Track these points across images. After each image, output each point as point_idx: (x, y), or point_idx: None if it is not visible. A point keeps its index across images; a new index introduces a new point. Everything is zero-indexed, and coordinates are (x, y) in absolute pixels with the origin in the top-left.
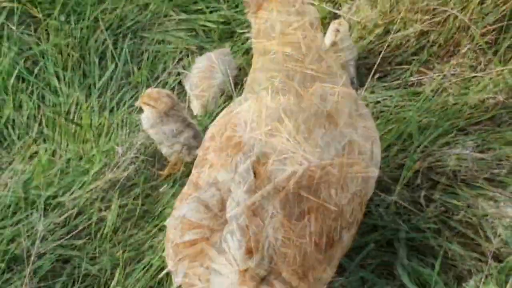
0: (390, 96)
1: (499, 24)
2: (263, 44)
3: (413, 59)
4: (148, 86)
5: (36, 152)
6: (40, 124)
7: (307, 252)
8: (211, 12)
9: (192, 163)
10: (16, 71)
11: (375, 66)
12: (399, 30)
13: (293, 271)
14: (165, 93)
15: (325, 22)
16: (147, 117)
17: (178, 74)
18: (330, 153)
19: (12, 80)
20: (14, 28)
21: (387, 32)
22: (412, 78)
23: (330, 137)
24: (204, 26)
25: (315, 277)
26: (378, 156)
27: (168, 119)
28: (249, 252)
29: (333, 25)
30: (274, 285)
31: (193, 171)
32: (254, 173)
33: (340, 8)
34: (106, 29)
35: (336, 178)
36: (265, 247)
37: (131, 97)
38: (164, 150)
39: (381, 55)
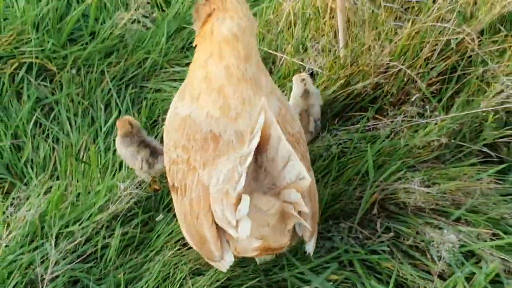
0: (350, 139)
1: (442, 77)
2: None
3: (370, 107)
4: (146, 129)
5: (51, 188)
6: (54, 163)
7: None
8: None
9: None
10: (34, 117)
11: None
12: (358, 82)
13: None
14: (125, 119)
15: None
16: (116, 143)
17: None
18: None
19: (30, 125)
20: (32, 80)
21: (348, 83)
22: (369, 124)
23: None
24: None
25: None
26: None
27: (127, 142)
28: None
29: (298, 77)
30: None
31: (180, 197)
32: None
33: (310, 62)
34: (111, 80)
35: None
36: None
37: None
38: (137, 173)
39: (342, 103)
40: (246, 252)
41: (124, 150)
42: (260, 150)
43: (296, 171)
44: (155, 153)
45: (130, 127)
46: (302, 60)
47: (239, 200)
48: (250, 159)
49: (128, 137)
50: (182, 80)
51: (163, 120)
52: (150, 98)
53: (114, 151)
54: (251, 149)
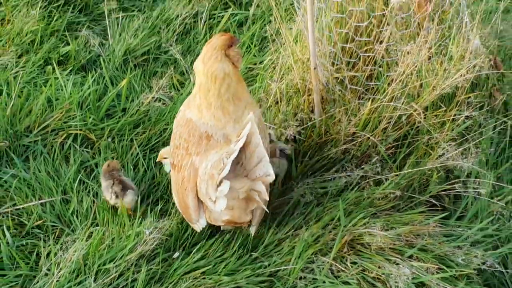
0: (324, 187)
1: (396, 143)
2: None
3: (341, 167)
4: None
5: (92, 233)
6: (94, 213)
7: None
8: None
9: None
10: (79, 177)
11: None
12: (331, 148)
13: None
14: (108, 162)
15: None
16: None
17: None
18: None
19: (76, 183)
20: (77, 147)
21: (322, 148)
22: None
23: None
24: None
25: None
26: None
27: (105, 178)
28: None
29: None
30: None
31: (177, 172)
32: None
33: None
34: (138, 146)
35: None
36: None
37: (155, 194)
38: (110, 202)
39: (317, 163)
40: (216, 222)
41: (102, 184)
42: (241, 149)
43: (265, 170)
44: (125, 189)
45: (107, 167)
46: (286, 128)
47: (220, 183)
48: (235, 154)
49: (106, 174)
50: None
51: None
52: None
53: (141, 201)
54: (237, 148)
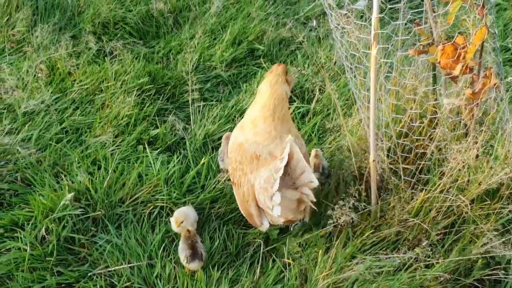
0: (379, 266)
1: (444, 230)
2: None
3: (394, 248)
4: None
5: None
6: (175, 278)
7: None
8: None
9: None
10: (163, 245)
11: None
12: (385, 230)
13: None
14: (189, 229)
15: None
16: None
17: None
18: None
19: (160, 250)
20: (163, 218)
21: (377, 230)
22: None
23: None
24: None
25: None
26: None
27: (184, 241)
28: None
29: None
30: None
31: (237, 188)
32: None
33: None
34: (215, 219)
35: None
36: None
37: (228, 262)
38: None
39: (372, 243)
40: (277, 222)
41: (180, 245)
42: (286, 164)
43: (308, 178)
44: (194, 255)
45: (188, 233)
46: (344, 206)
47: (273, 195)
48: (281, 171)
49: (186, 238)
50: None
51: None
52: (239, 233)
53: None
54: (282, 165)
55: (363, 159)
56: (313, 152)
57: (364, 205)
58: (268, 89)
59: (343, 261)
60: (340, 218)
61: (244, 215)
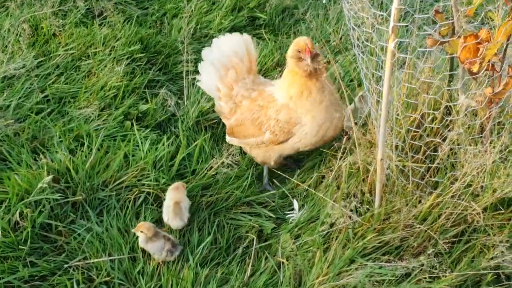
0: (380, 273)
1: (453, 239)
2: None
3: (397, 255)
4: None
5: None
6: (159, 275)
7: None
8: None
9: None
10: None
11: None
12: (388, 234)
13: None
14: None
15: None
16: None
17: None
18: None
19: None
20: (149, 205)
21: (380, 233)
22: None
23: None
24: None
25: None
26: None
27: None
28: None
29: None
30: None
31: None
32: None
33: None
34: (206, 208)
35: None
36: None
37: (217, 259)
38: (156, 256)
39: (373, 247)
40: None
41: (150, 245)
42: None
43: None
44: (175, 245)
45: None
46: (345, 207)
47: None
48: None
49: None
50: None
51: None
52: (230, 224)
53: (202, 267)
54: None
55: (368, 153)
56: (359, 94)
57: (367, 208)
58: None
59: (341, 265)
60: (340, 219)
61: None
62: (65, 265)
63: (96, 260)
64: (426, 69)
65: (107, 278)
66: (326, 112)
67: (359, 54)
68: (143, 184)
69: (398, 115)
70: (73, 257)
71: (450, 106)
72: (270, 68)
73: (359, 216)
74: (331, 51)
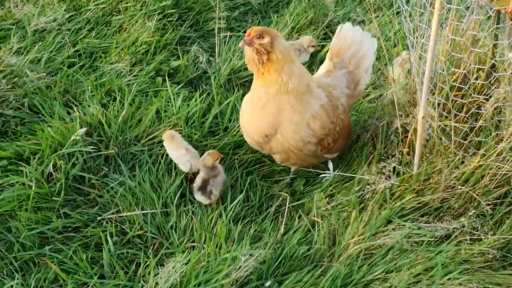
0: (418, 234)
1: (495, 201)
2: None
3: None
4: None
5: (188, 249)
6: (192, 230)
7: None
8: None
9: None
10: (180, 191)
11: None
12: (428, 195)
13: None
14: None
15: None
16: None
17: None
18: None
19: (176, 198)
20: None
21: (419, 194)
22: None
23: None
24: None
25: None
26: None
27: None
28: None
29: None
30: None
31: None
32: None
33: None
34: (239, 167)
35: None
36: None
37: (250, 216)
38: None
39: (412, 207)
40: None
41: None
42: None
43: None
44: (202, 188)
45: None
46: (382, 168)
47: None
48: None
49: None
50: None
51: None
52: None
53: (235, 223)
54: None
55: (408, 113)
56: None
57: (405, 169)
58: None
59: (378, 225)
60: (376, 179)
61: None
62: (98, 218)
63: (129, 213)
64: (471, 25)
65: (140, 232)
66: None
67: (403, 6)
68: None
69: (443, 70)
70: (106, 210)
71: (496, 62)
72: (303, 27)
73: (397, 177)
74: (368, 10)
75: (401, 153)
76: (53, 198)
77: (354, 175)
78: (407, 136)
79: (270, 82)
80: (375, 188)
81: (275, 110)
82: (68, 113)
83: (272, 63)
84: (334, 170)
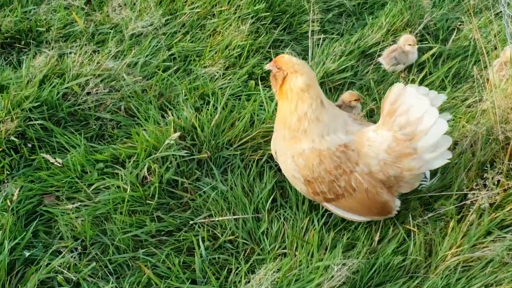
0: None
1: None
2: None
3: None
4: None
5: (280, 256)
6: (283, 236)
7: None
8: None
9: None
10: (272, 197)
11: None
12: None
13: None
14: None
15: None
16: None
17: None
18: None
19: (268, 203)
20: (273, 166)
21: None
22: None
23: None
24: None
25: None
26: None
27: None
28: None
29: None
30: None
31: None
32: None
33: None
34: None
35: None
36: None
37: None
38: None
39: None
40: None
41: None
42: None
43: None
44: None
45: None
46: (482, 177)
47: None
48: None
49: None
50: None
51: None
52: None
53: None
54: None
55: (509, 120)
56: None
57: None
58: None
59: (477, 237)
60: (475, 188)
61: (372, 215)
62: (191, 222)
63: (221, 218)
64: None
65: (231, 237)
66: None
67: (505, 10)
68: (268, 146)
69: None
70: (198, 214)
71: None
72: (399, 29)
73: (497, 186)
74: (467, 12)
75: (502, 161)
76: (147, 201)
77: (452, 183)
78: (508, 143)
79: (279, 106)
80: (473, 197)
81: (276, 134)
82: (163, 116)
83: (281, 93)
84: (431, 178)
